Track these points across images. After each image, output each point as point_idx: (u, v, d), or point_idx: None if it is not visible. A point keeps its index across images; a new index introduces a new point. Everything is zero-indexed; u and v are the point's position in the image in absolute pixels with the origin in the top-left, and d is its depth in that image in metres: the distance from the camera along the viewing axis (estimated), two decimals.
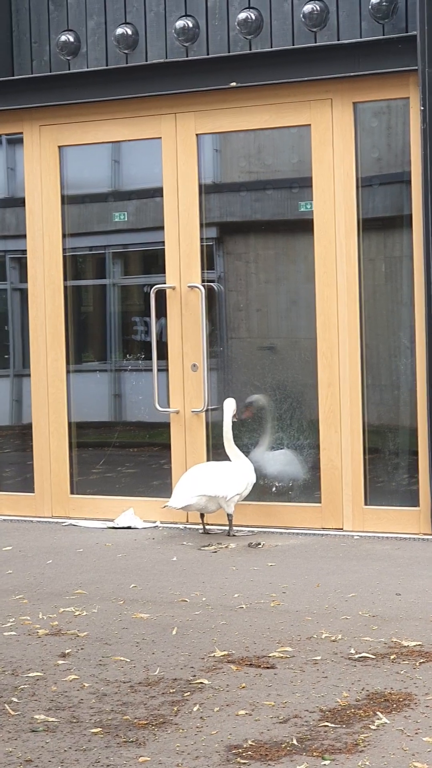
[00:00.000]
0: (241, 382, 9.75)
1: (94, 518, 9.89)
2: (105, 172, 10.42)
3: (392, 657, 5.90)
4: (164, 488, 9.62)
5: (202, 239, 9.60)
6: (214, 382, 9.72)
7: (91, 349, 10.73)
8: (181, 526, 9.54)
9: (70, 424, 10.11)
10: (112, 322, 10.45)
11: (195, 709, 5.24)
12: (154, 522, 9.63)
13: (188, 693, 5.46)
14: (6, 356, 10.77)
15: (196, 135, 9.53)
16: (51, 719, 5.18)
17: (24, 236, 10.20)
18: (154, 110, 9.62)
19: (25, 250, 10.16)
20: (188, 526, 9.54)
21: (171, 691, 5.51)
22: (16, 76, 10.23)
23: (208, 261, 9.74)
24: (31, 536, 9.45)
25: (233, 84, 9.25)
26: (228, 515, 9.05)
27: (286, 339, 9.69)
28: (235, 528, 9.19)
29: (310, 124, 9.16)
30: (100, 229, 10.49)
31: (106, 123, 9.83)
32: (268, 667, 5.81)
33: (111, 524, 9.66)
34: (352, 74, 8.93)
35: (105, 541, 9.11)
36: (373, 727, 4.93)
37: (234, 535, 9.07)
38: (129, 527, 9.55)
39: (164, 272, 9.66)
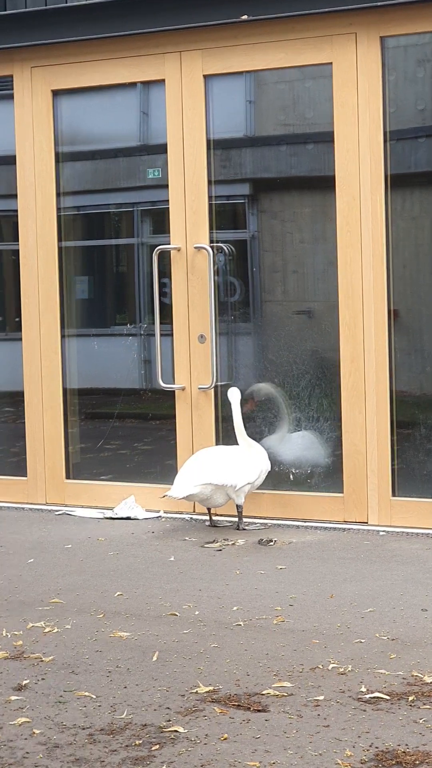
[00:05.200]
0: (268, 349, 8.68)
1: (92, 506, 8.88)
2: (132, 125, 9.30)
3: (410, 698, 4.85)
4: (170, 473, 8.54)
5: (211, 197, 8.52)
6: (224, 354, 8.65)
7: (90, 314, 9.65)
8: (186, 517, 8.52)
9: (65, 391, 9.02)
10: (136, 285, 9.33)
11: None
12: (158, 512, 8.60)
13: (157, 746, 4.45)
14: None
15: (204, 76, 8.43)
16: None
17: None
18: (157, 48, 8.52)
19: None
20: (194, 516, 8.50)
21: (137, 742, 4.49)
22: (6, 11, 9.16)
23: (241, 219, 8.81)
24: (17, 527, 8.44)
25: (244, 17, 8.14)
26: (237, 507, 8.01)
27: (323, 303, 8.58)
28: (245, 520, 8.16)
29: (331, 63, 8.05)
30: (111, 186, 9.42)
31: (103, 63, 8.73)
32: (258, 710, 4.78)
33: (109, 514, 8.65)
34: (379, 4, 7.81)
35: (98, 534, 8.09)
36: None
37: (244, 529, 8.03)
38: (129, 518, 8.54)
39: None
